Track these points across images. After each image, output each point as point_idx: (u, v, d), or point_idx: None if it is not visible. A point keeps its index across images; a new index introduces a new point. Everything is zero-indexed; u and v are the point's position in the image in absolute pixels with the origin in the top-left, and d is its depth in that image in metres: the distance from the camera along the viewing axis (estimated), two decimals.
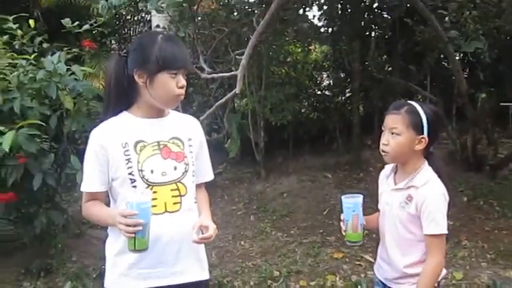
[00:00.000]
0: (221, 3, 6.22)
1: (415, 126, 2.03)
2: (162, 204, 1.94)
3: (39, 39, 4.17)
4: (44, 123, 3.58)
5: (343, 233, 2.17)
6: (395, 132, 2.04)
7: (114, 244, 1.99)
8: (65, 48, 4.18)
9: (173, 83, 1.91)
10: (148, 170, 1.92)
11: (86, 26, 4.03)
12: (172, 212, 1.95)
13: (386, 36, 8.37)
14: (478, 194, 5.85)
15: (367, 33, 8.15)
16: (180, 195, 1.97)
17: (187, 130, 2.09)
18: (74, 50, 4.42)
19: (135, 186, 1.92)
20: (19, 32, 4.12)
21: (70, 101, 3.71)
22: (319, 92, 9.13)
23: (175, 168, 1.97)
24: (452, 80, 8.74)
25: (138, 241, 1.76)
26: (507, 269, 4.24)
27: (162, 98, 1.94)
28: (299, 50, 8.41)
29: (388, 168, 2.26)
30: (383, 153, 2.11)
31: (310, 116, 8.72)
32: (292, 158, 7.80)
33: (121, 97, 2.00)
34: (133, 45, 2.03)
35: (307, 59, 8.51)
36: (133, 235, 1.74)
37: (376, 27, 8.13)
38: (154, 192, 1.92)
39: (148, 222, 1.76)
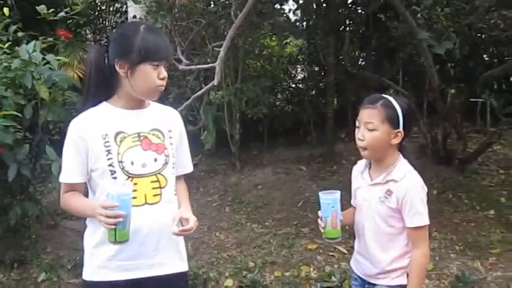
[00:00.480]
0: None
1: (391, 120, 2.01)
2: (142, 196, 1.93)
3: (13, 27, 4.11)
4: (19, 114, 3.52)
5: (322, 230, 2.13)
6: (371, 128, 2.02)
7: (93, 236, 2.00)
8: (40, 38, 4.12)
9: (154, 74, 1.90)
10: (128, 162, 1.92)
11: (62, 14, 3.97)
12: (152, 203, 1.95)
13: (360, 31, 8.45)
14: (448, 187, 5.98)
15: (342, 28, 8.23)
16: (160, 187, 1.97)
17: (168, 121, 2.08)
18: (49, 39, 4.37)
19: (115, 178, 1.91)
20: None
21: (46, 90, 3.66)
22: (293, 86, 9.20)
23: (155, 159, 1.96)
24: (424, 75, 8.91)
25: (118, 232, 1.76)
26: (475, 260, 4.36)
27: (143, 89, 1.93)
28: (274, 44, 8.44)
29: (362, 163, 2.24)
30: (360, 149, 2.09)
31: (284, 109, 8.78)
32: (267, 151, 7.85)
33: (101, 87, 1.99)
34: (114, 35, 2.02)
35: (282, 53, 8.54)
36: (113, 226, 1.75)
37: (351, 22, 8.21)
38: (135, 184, 1.92)
39: (129, 213, 1.76)
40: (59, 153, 3.71)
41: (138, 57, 1.88)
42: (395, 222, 2.06)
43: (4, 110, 3.48)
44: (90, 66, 1.99)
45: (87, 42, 8.71)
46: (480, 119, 9.00)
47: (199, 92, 3.72)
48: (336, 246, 4.69)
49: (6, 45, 3.92)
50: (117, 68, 1.92)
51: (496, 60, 8.89)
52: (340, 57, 7.80)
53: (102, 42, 2.05)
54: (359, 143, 2.08)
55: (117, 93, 1.99)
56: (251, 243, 4.91)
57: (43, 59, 3.80)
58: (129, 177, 1.92)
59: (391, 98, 2.06)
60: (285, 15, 7.22)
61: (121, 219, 1.74)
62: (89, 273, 2.01)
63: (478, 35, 6.23)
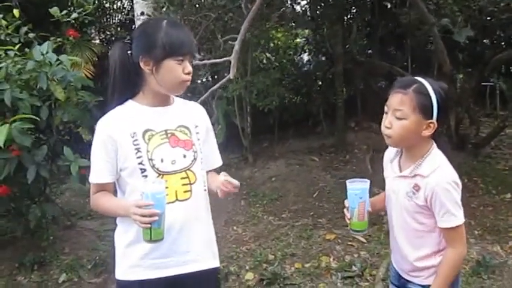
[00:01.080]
0: None
1: (423, 109, 1.78)
2: (173, 193, 1.92)
3: (25, 29, 4.09)
4: (36, 117, 3.52)
5: (347, 221, 1.99)
6: (400, 116, 1.80)
7: (125, 235, 1.98)
8: (51, 38, 4.11)
9: (180, 69, 1.88)
10: (158, 159, 1.91)
11: (75, 15, 3.96)
12: (183, 200, 1.94)
13: (366, 20, 8.42)
14: (462, 172, 5.95)
15: (348, 16, 8.20)
16: (190, 183, 1.95)
17: (194, 117, 2.07)
18: (59, 39, 4.35)
19: (145, 176, 1.90)
20: (3, 22, 4.03)
21: (61, 91, 3.65)
22: (301, 76, 9.17)
23: (184, 156, 1.96)
24: (431, 61, 8.89)
25: (154, 231, 1.75)
26: (494, 244, 4.35)
27: (168, 84, 1.92)
28: (280, 35, 8.41)
29: (393, 150, 2.04)
30: (385, 137, 1.88)
31: (293, 100, 8.76)
32: (278, 142, 7.84)
33: (126, 85, 1.97)
34: (137, 32, 2.00)
35: (289, 44, 8.51)
36: (149, 225, 1.73)
37: (357, 11, 8.17)
38: (165, 181, 1.89)
39: (163, 211, 1.75)
40: (75, 153, 3.76)
41: (163, 52, 1.86)
42: (425, 219, 1.88)
43: (21, 112, 3.47)
44: (114, 64, 1.96)
45: (93, 41, 8.71)
46: (490, 103, 8.98)
47: (216, 86, 3.70)
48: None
49: (17, 46, 3.91)
50: (141, 64, 1.90)
51: (503, 44, 8.83)
52: (347, 46, 7.77)
53: (126, 40, 2.02)
54: (384, 131, 1.86)
55: (142, 91, 1.97)
56: (269, 235, 4.90)
57: (56, 60, 3.78)
58: (160, 174, 1.91)
59: (426, 83, 1.82)
60: (293, 5, 7.15)
61: (156, 218, 1.73)
62: (122, 273, 2.00)
63: (488, 18, 6.16)
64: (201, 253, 2.03)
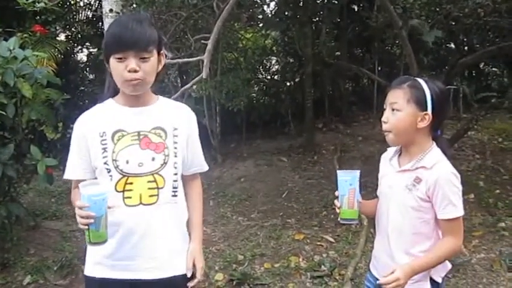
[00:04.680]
0: None
1: (417, 101, 1.87)
2: (137, 196, 1.87)
3: None
4: (3, 112, 3.42)
5: (337, 210, 2.00)
6: (396, 108, 1.89)
7: None
8: (18, 34, 4.01)
9: (121, 67, 1.77)
10: (123, 160, 1.85)
11: (41, 4, 3.87)
12: (148, 204, 1.88)
13: (335, 22, 8.51)
14: None
15: (318, 19, 8.27)
16: (158, 188, 1.89)
17: (174, 119, 1.96)
18: (25, 35, 4.26)
19: (111, 176, 1.86)
20: None
21: (28, 88, 3.55)
22: (269, 77, 9.21)
23: (153, 159, 1.88)
24: (397, 64, 9.06)
25: (92, 233, 1.71)
26: None
27: (119, 84, 1.84)
28: (249, 36, 8.42)
29: (391, 150, 2.09)
30: (385, 133, 1.95)
31: (261, 101, 8.78)
32: (246, 143, 7.85)
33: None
34: None
35: (257, 45, 8.53)
36: (86, 227, 1.69)
37: (326, 13, 8.25)
38: (130, 183, 1.86)
39: (101, 215, 1.69)
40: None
41: (105, 51, 1.81)
42: (423, 213, 1.90)
43: None
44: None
45: (58, 38, 8.53)
46: (453, 106, 9.18)
47: (188, 85, 3.66)
48: (323, 235, 4.74)
49: None
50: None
51: (465, 48, 9.07)
52: (316, 48, 7.84)
53: None
54: (383, 126, 1.94)
55: (120, 91, 1.93)
56: (238, 236, 4.90)
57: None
58: (124, 175, 1.86)
59: (420, 80, 1.92)
60: (263, 6, 7.17)
61: (91, 221, 1.68)
62: (87, 269, 1.99)
63: (453, 23, 6.31)
64: (168, 260, 1.96)
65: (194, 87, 6.45)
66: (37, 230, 5.08)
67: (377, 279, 2.06)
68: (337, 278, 3.95)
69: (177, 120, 1.97)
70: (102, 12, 5.53)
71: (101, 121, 1.90)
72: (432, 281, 1.97)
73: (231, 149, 7.73)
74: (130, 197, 1.86)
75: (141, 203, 1.87)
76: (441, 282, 2.00)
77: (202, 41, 4.05)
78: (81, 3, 8.68)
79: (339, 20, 8.37)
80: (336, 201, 2.01)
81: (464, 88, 9.18)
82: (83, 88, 8.73)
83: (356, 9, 8.87)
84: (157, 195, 1.88)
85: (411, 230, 1.93)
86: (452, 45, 9.09)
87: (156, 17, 4.86)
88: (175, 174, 1.93)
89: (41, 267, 4.28)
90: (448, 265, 2.02)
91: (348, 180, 1.95)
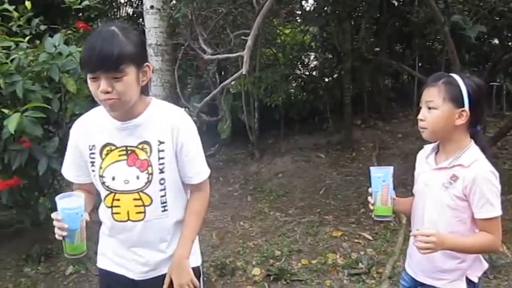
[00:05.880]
0: None
1: (453, 99, 1.85)
2: (125, 213, 1.88)
3: (36, 21, 4.09)
4: (48, 106, 3.52)
5: (371, 207, 2.00)
6: (432, 106, 1.87)
7: (102, 225, 2.04)
8: (63, 30, 4.11)
9: (95, 87, 1.70)
10: (109, 177, 1.85)
11: (86, 2, 3.95)
12: (136, 220, 1.88)
13: (375, 17, 8.41)
14: None
15: (357, 14, 8.19)
16: (144, 205, 1.87)
17: (160, 132, 1.86)
18: (68, 31, 4.36)
19: (100, 190, 1.90)
20: (15, 13, 4.03)
21: (73, 83, 3.66)
22: (307, 73, 9.17)
23: (137, 177, 1.85)
24: (438, 60, 8.88)
25: (67, 245, 1.72)
26: (501, 244, 4.31)
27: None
28: (288, 31, 8.40)
29: (428, 147, 2.08)
30: (420, 130, 1.94)
31: (299, 97, 8.75)
32: (283, 139, 7.83)
33: None
34: None
35: (296, 40, 8.50)
36: (61, 238, 1.71)
37: (366, 8, 8.16)
38: (117, 199, 1.86)
39: (75, 229, 1.70)
40: None
41: (80, 67, 1.78)
42: (460, 212, 1.89)
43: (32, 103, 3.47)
44: None
45: None
46: (496, 103, 8.96)
47: (228, 81, 3.70)
48: (361, 233, 4.71)
49: (27, 38, 3.91)
50: None
51: (510, 44, 8.81)
52: (355, 44, 7.76)
53: None
54: (419, 124, 1.93)
55: None
56: (276, 231, 4.90)
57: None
58: (111, 192, 1.86)
59: (455, 76, 1.90)
60: (300, 3, 7.14)
61: (65, 233, 1.68)
62: (98, 260, 2.08)
63: (497, 18, 6.15)
64: (161, 265, 1.99)
65: (233, 83, 6.48)
66: None
67: (412, 279, 2.07)
68: (374, 276, 3.92)
69: (163, 133, 1.87)
70: (142, 9, 5.61)
71: (92, 132, 1.89)
72: (468, 280, 1.96)
73: (269, 145, 7.74)
74: (119, 213, 1.88)
75: (129, 219, 1.88)
76: (477, 282, 1.97)
77: (242, 37, 4.06)
78: (122, 0, 8.82)
79: (378, 15, 8.26)
80: (369, 198, 2.01)
81: (508, 85, 8.94)
82: None
83: (396, 4, 8.72)
84: (144, 212, 1.88)
85: (447, 229, 1.90)
86: (496, 41, 8.85)
87: (197, 13, 4.90)
88: (163, 189, 1.89)
89: (82, 258, 4.34)
90: (485, 264, 2.00)
91: (380, 176, 1.95)
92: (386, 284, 3.73)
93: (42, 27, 4.12)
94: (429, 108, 1.89)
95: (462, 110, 1.85)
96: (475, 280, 1.97)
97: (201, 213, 2.02)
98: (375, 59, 8.04)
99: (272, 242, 4.67)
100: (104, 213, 1.95)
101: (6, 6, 3.97)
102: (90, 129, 1.89)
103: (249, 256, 4.39)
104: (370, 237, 4.60)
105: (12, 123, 3.21)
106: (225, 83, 3.72)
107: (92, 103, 3.85)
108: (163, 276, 1.96)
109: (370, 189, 2.00)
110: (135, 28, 8.47)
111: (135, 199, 1.86)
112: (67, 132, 3.93)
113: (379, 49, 8.61)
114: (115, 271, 1.99)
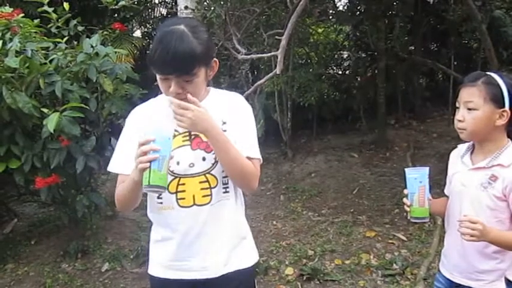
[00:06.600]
0: None
1: (494, 99, 1.80)
2: (191, 197, 1.84)
3: (74, 22, 4.17)
4: (86, 106, 3.60)
5: (407, 209, 1.97)
6: (472, 107, 1.83)
7: (153, 231, 1.98)
8: (100, 31, 4.18)
9: (165, 86, 1.74)
10: (174, 162, 1.81)
11: (122, 2, 4.01)
12: (202, 204, 1.84)
13: (409, 16, 8.31)
14: None
15: (391, 12, 8.10)
16: (210, 187, 1.84)
17: (223, 113, 1.88)
18: (105, 32, 4.42)
19: None
20: (54, 15, 4.12)
21: (109, 83, 3.72)
22: (340, 72, 9.12)
23: (203, 159, 1.83)
24: (474, 58, 8.72)
25: (153, 173, 1.58)
26: None
27: None
28: (321, 31, 8.37)
29: (462, 147, 2.04)
30: (459, 130, 1.89)
31: (332, 96, 8.70)
32: (316, 138, 7.83)
33: None
34: None
35: (329, 39, 8.46)
36: (147, 165, 1.59)
37: (400, 7, 8.07)
38: (182, 184, 1.83)
39: (166, 155, 1.60)
40: None
41: (150, 66, 1.73)
42: (499, 213, 1.84)
43: (70, 103, 3.55)
44: None
45: (134, 35, 8.83)
46: None
47: (262, 80, 3.70)
48: (395, 233, 4.65)
49: (65, 39, 4.00)
50: None
51: None
52: (389, 43, 7.69)
53: None
54: (458, 124, 1.88)
55: None
56: (308, 231, 4.90)
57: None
58: (176, 177, 1.83)
59: (494, 75, 1.85)
60: (333, 2, 7.11)
61: (157, 156, 1.59)
62: (150, 268, 2.01)
63: None
64: (223, 259, 1.93)
65: (266, 82, 6.49)
66: (114, 219, 5.29)
67: (447, 279, 2.03)
68: (409, 277, 3.88)
69: (226, 113, 1.88)
70: (177, 9, 5.66)
71: (153, 118, 1.88)
72: (507, 281, 1.91)
73: (302, 144, 7.73)
74: (184, 198, 1.84)
75: (194, 204, 1.84)
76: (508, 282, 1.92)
77: (276, 37, 4.06)
78: (156, 1, 8.93)
79: (413, 13, 8.14)
80: (405, 200, 1.98)
81: None
82: (157, 83, 9.00)
83: (431, 2, 8.62)
84: (211, 194, 1.85)
85: None
86: None
87: (230, 13, 4.92)
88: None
89: (118, 255, 4.46)
90: None
91: (417, 177, 1.93)
92: (421, 286, 3.69)
93: (80, 28, 4.18)
94: (469, 109, 1.84)
95: (503, 110, 1.81)
96: None
97: (244, 163, 1.84)
98: (409, 57, 7.94)
99: (305, 241, 4.66)
100: (157, 211, 1.90)
101: (45, 8, 4.05)
102: (151, 116, 1.88)
103: (282, 255, 4.40)
104: (405, 238, 4.55)
105: (51, 122, 3.29)
106: (259, 82, 3.72)
107: (128, 103, 3.97)
108: (222, 278, 1.92)
109: (405, 191, 1.97)
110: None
111: (201, 182, 1.84)
112: (103, 132, 4.07)
113: (413, 48, 8.50)
114: (172, 277, 1.94)
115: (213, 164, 1.83)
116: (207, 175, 1.84)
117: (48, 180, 3.66)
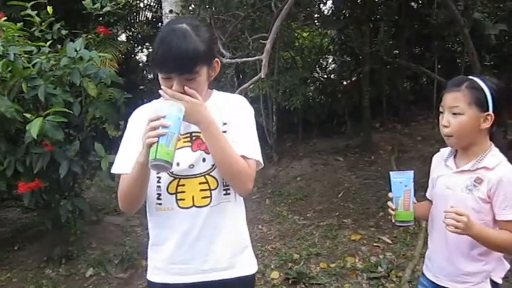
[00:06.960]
0: None
1: (478, 103, 1.82)
2: (190, 198, 1.83)
3: (57, 26, 4.14)
4: (70, 111, 3.57)
5: (392, 213, 1.98)
6: (457, 112, 1.84)
7: (151, 233, 1.96)
8: (83, 35, 4.15)
9: (167, 85, 1.74)
10: (174, 163, 1.75)
11: (107, 8, 3.99)
12: (201, 206, 1.83)
13: (393, 20, 8.37)
14: None
15: (375, 17, 8.17)
16: (210, 189, 1.83)
17: (224, 114, 1.87)
18: (89, 36, 4.40)
19: (159, 177, 1.85)
20: (37, 18, 4.09)
21: (93, 87, 3.70)
22: (325, 76, 9.16)
23: (203, 160, 1.82)
24: (457, 62, 8.81)
25: (160, 148, 1.56)
26: None
27: None
28: (306, 35, 8.40)
29: (445, 151, 2.05)
30: (445, 137, 1.91)
31: (317, 100, 8.73)
32: (301, 142, 7.84)
33: None
34: None
35: (314, 43, 8.50)
36: (155, 139, 1.57)
37: (384, 11, 8.14)
38: (182, 185, 1.83)
39: (175, 132, 1.60)
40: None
41: (153, 65, 1.81)
42: (483, 215, 1.85)
43: (54, 107, 3.52)
44: None
45: (119, 39, 8.79)
46: None
47: (246, 84, 3.71)
48: (380, 236, 4.68)
49: (48, 43, 3.97)
50: None
51: None
52: (374, 47, 7.73)
53: None
54: (444, 130, 1.90)
55: None
56: (294, 235, 4.91)
57: None
58: (175, 178, 1.82)
59: (477, 79, 1.87)
60: (318, 6, 7.14)
61: (166, 131, 1.58)
62: (149, 273, 1.99)
63: None
64: (223, 262, 1.91)
65: (251, 86, 6.49)
66: (99, 224, 5.27)
67: (432, 282, 2.04)
68: (394, 279, 3.90)
69: (227, 115, 1.88)
70: (162, 13, 5.66)
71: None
72: (493, 282, 1.93)
73: (287, 148, 7.75)
74: (183, 199, 1.83)
75: (193, 205, 1.83)
76: (501, 284, 1.95)
77: (261, 41, 4.07)
78: (141, 5, 8.90)
79: (397, 17, 8.21)
80: (389, 203, 2.00)
81: None
82: (142, 87, 8.96)
83: (415, 7, 8.68)
84: (210, 196, 1.84)
85: None
86: None
87: (215, 17, 4.93)
88: None
89: (102, 261, 4.44)
90: (507, 265, 1.97)
91: (402, 181, 1.94)
92: None
93: (64, 32, 4.16)
94: (454, 113, 1.86)
95: (487, 114, 1.84)
96: (499, 281, 1.94)
97: (238, 160, 1.80)
98: (393, 61, 8.00)
99: (290, 245, 4.67)
100: (156, 212, 1.89)
101: (28, 11, 4.02)
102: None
103: (267, 259, 4.40)
104: (390, 241, 4.58)
105: (34, 128, 3.26)
106: (243, 86, 3.73)
107: (113, 107, 3.95)
108: (222, 282, 1.89)
109: (390, 194, 1.99)
110: (156, 32, 8.60)
111: (200, 183, 1.83)
112: (87, 136, 4.04)
113: (397, 52, 8.56)
114: (172, 281, 1.91)
115: (213, 166, 1.83)
116: (206, 176, 1.83)
117: (31, 185, 3.62)
